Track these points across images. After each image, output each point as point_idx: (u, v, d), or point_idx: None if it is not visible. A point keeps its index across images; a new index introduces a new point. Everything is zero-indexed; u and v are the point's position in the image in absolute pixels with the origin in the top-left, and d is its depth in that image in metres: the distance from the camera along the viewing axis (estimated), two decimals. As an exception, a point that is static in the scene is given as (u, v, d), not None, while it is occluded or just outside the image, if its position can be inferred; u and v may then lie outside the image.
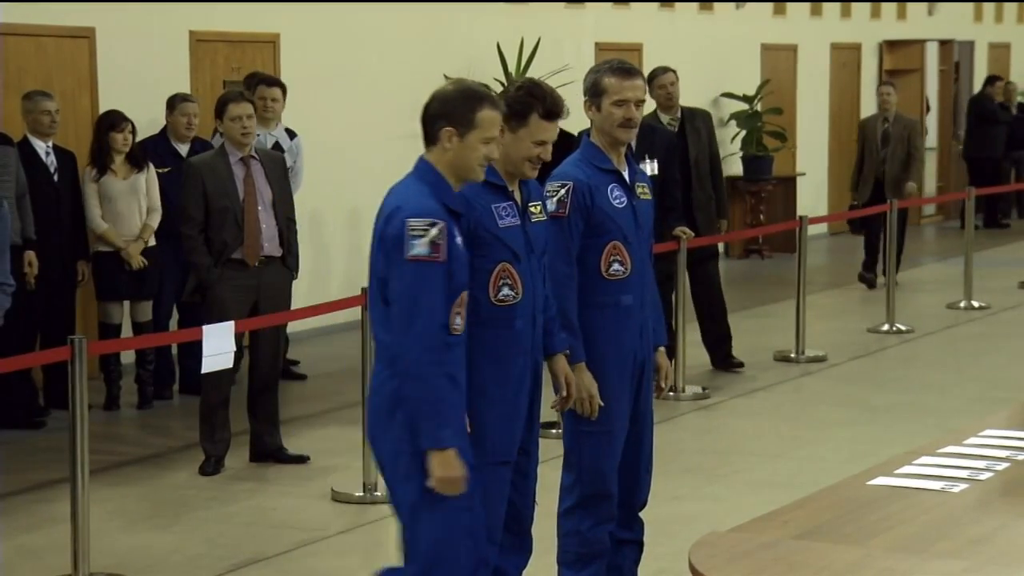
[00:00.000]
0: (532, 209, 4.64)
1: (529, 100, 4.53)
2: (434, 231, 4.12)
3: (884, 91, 13.04)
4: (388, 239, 4.17)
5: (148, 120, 9.00)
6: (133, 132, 8.51)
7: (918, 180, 12.94)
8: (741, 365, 9.55)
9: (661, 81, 9.35)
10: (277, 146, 8.99)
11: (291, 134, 9.31)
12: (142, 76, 9.70)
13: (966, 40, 19.76)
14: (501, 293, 4.52)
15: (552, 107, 4.53)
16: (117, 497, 7.01)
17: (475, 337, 4.50)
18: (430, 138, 4.27)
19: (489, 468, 4.52)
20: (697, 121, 9.44)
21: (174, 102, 8.93)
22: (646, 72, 9.46)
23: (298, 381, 9.52)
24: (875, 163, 12.76)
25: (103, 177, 8.44)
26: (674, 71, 9.47)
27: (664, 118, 9.38)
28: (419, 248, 4.11)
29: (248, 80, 9.30)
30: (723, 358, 9.66)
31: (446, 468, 4.11)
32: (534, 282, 4.59)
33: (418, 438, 4.12)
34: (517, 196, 4.61)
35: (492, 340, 4.51)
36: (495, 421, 4.52)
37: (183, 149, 8.87)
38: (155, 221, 8.58)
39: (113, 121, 8.45)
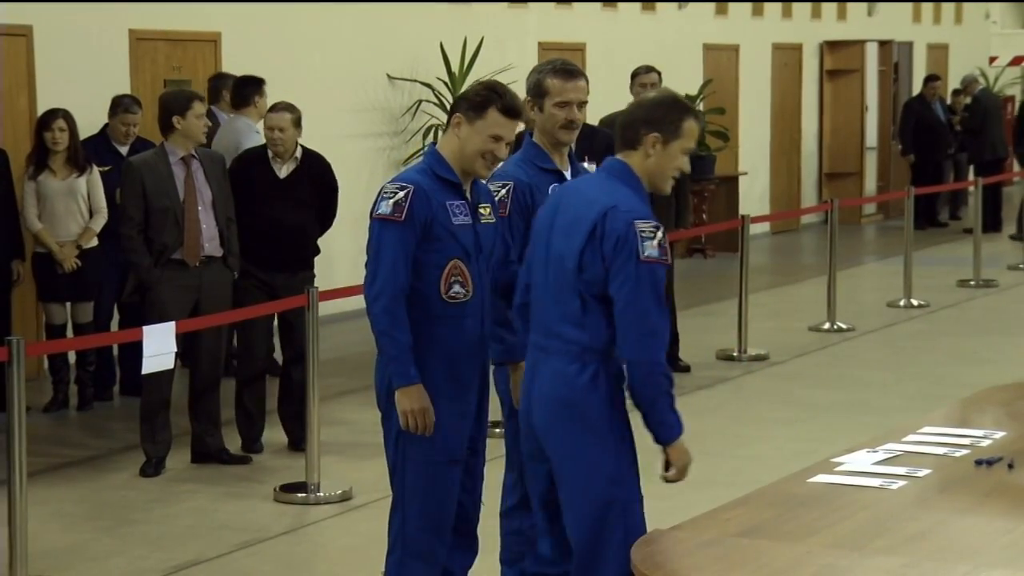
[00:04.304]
0: (482, 210, 4.66)
1: (488, 94, 4.55)
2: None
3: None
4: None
5: (88, 119, 8.90)
6: (71, 131, 8.38)
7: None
8: (687, 369, 9.48)
9: (643, 80, 9.20)
10: None
11: None
12: (81, 75, 9.61)
13: (905, 41, 19.94)
14: (452, 290, 4.54)
15: (511, 103, 4.56)
16: (56, 499, 6.94)
17: (426, 334, 4.52)
18: (630, 142, 4.22)
19: (439, 466, 4.53)
20: None
21: (116, 109, 8.81)
22: (631, 71, 9.44)
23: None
24: None
25: (40, 176, 8.36)
26: (658, 72, 9.27)
27: None
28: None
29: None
30: (669, 360, 9.64)
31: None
32: (483, 282, 4.61)
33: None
34: (469, 196, 4.62)
35: (443, 338, 4.53)
36: (445, 420, 4.53)
37: (123, 149, 8.78)
38: (98, 224, 8.47)
39: (44, 120, 8.37)
